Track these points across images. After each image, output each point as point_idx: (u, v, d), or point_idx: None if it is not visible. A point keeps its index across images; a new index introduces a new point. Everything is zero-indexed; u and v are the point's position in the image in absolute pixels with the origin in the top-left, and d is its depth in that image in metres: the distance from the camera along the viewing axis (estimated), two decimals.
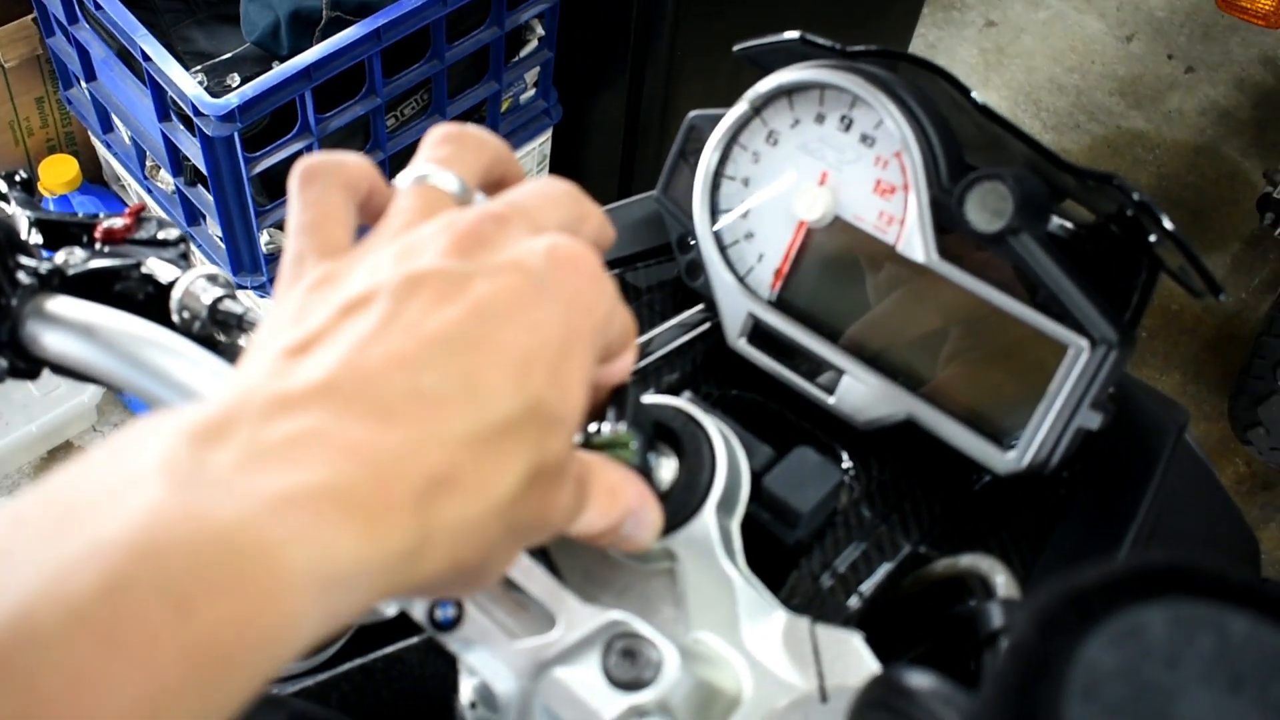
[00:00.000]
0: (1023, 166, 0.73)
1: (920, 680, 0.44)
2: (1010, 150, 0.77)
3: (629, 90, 2.04)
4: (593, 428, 0.57)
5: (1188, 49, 3.38)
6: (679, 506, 0.64)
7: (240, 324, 0.70)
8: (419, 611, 0.58)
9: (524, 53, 1.94)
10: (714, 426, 0.66)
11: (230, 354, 0.71)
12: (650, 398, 0.66)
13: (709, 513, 0.64)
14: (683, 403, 0.66)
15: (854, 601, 0.69)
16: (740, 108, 0.79)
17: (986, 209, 0.70)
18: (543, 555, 0.61)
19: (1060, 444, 0.70)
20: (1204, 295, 0.72)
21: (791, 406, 0.79)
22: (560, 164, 2.21)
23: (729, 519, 0.65)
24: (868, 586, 0.70)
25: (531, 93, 2.04)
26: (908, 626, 0.73)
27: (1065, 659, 0.35)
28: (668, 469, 0.65)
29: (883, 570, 0.70)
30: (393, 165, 1.82)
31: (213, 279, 0.73)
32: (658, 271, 0.88)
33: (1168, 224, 0.67)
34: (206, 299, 0.70)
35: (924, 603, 0.74)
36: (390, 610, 0.64)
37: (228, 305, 0.70)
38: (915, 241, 0.73)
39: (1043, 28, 3.36)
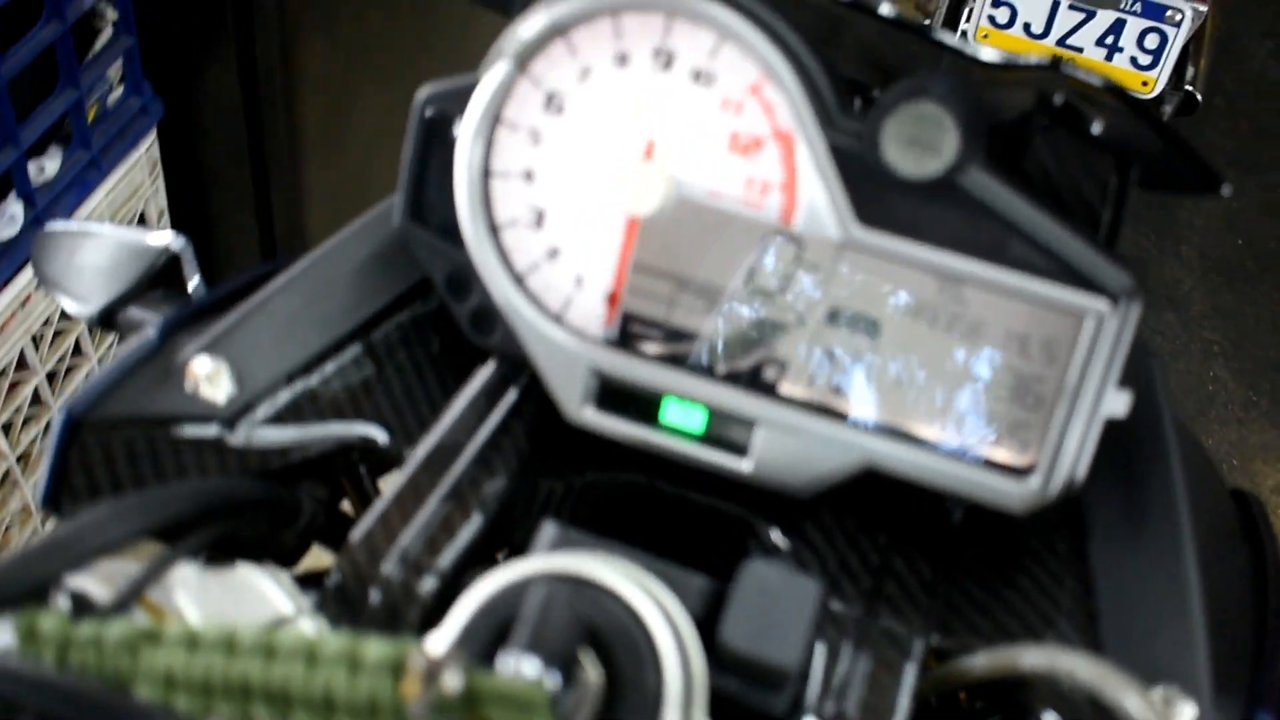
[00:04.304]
0: (930, 71, 0.50)
1: None
2: (873, 48, 0.55)
3: (239, 61, 1.69)
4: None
5: None
6: None
7: None
8: None
9: (99, 45, 1.55)
10: (638, 592, 0.41)
11: None
12: (508, 571, 0.41)
13: None
14: (581, 562, 0.41)
15: None
16: (499, 69, 0.52)
17: (915, 145, 0.47)
18: None
19: (1087, 447, 0.49)
20: (1202, 193, 0.53)
21: (671, 472, 0.55)
22: (176, 166, 1.84)
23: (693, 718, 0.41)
24: None
25: (119, 91, 1.66)
26: None
27: None
28: (588, 678, 0.40)
29: (905, 695, 0.48)
30: None
31: None
32: (409, 323, 0.61)
33: (1160, 119, 0.47)
34: None
35: (952, 714, 0.52)
36: None
37: None
38: (822, 213, 0.49)
39: None
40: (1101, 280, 0.47)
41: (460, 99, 0.53)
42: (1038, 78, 0.51)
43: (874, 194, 0.49)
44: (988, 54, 0.51)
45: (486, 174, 0.53)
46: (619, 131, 0.51)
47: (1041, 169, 0.53)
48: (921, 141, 0.47)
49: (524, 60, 0.52)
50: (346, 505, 0.65)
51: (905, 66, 0.53)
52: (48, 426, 1.66)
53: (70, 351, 1.65)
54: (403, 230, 0.55)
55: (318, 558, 0.63)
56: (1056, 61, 0.49)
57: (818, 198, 0.49)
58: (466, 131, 0.53)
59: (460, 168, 0.53)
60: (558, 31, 0.51)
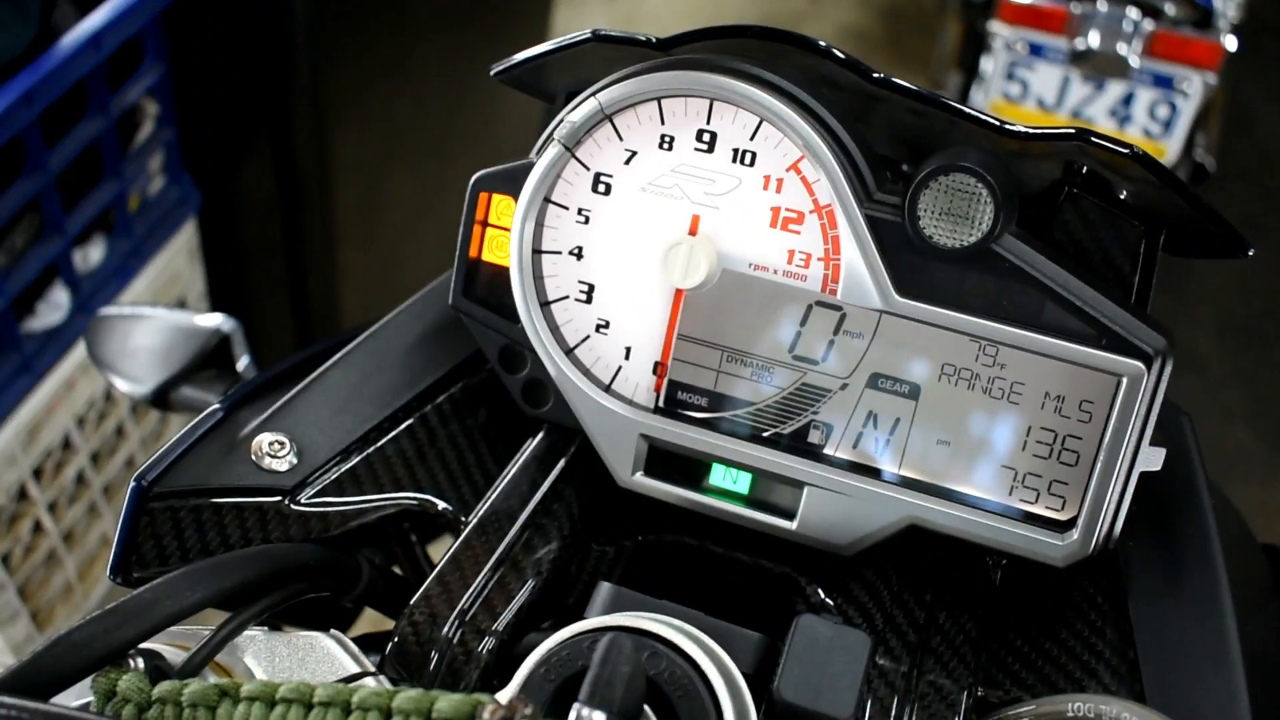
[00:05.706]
0: (962, 145, 0.53)
1: None
2: (904, 125, 0.57)
3: (275, 151, 1.74)
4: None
5: None
6: None
7: None
8: None
9: (141, 138, 1.60)
10: (696, 648, 0.43)
11: None
12: (569, 630, 0.43)
13: None
14: (641, 619, 0.43)
15: None
16: (549, 153, 0.55)
17: (951, 215, 0.50)
18: None
19: (1124, 501, 0.51)
20: (1227, 255, 0.55)
21: (718, 533, 0.57)
22: (214, 252, 1.88)
23: None
24: None
25: (161, 182, 1.71)
26: None
27: None
28: None
29: None
30: (16, 307, 1.46)
31: None
32: (460, 395, 0.63)
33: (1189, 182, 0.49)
34: None
35: None
36: None
37: None
38: (861, 282, 0.51)
39: None
40: (1135, 342, 0.49)
41: (512, 181, 0.56)
42: (1065, 147, 0.54)
43: (912, 263, 0.51)
44: (1015, 125, 0.53)
45: (538, 252, 0.56)
46: (664, 210, 0.54)
47: (1071, 235, 0.56)
48: (957, 212, 0.49)
49: (573, 144, 0.55)
50: (397, 569, 0.67)
51: (936, 140, 0.56)
52: (91, 506, 1.69)
53: (114, 432, 1.68)
54: (457, 308, 0.58)
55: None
56: (1083, 131, 0.52)
57: (858, 268, 0.51)
58: (519, 214, 0.55)
59: (514, 248, 0.56)
60: (605, 117, 0.54)
